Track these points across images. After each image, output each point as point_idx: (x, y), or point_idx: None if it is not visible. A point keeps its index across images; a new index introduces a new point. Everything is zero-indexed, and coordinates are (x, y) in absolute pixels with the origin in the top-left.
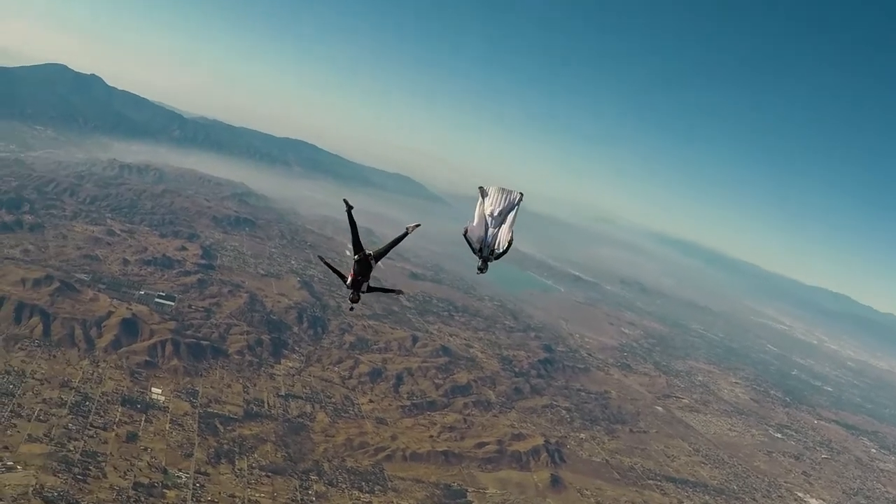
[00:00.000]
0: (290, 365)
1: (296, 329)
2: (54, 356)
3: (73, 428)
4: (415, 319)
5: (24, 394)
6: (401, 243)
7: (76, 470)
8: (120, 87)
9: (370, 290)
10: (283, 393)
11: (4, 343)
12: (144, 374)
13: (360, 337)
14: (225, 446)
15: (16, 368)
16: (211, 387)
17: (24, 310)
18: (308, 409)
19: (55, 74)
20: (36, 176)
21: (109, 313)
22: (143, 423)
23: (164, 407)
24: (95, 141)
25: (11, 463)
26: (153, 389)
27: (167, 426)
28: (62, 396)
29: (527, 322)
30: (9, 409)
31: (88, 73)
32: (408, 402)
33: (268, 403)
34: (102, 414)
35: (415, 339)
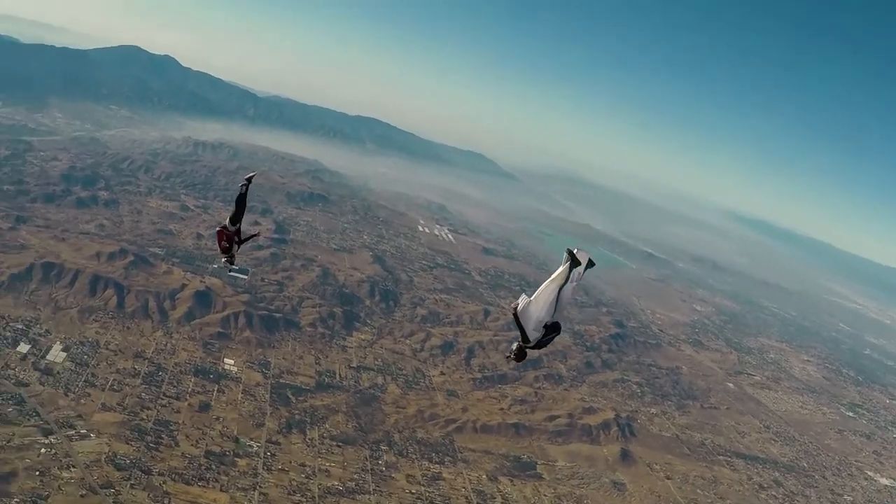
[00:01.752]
0: (362, 337)
1: (368, 302)
2: (128, 327)
3: (147, 397)
4: (486, 294)
5: (98, 364)
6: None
7: (149, 438)
8: (194, 68)
9: (240, 244)
10: (354, 365)
11: (80, 314)
12: (217, 345)
13: (431, 310)
14: (296, 416)
15: (90, 339)
16: (283, 358)
17: (98, 282)
18: (379, 380)
19: (129, 56)
20: (111, 154)
21: (183, 286)
22: (215, 393)
23: (237, 377)
24: (170, 120)
25: (85, 431)
26: (226, 360)
27: (239, 396)
28: (136, 367)
29: (598, 297)
30: (83, 379)
31: (162, 54)
32: (479, 375)
33: (339, 375)
34: (175, 384)
35: (486, 313)
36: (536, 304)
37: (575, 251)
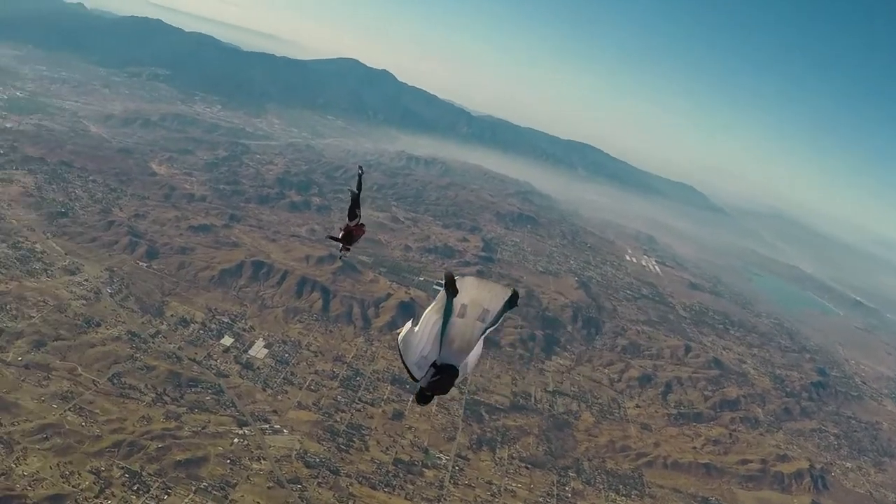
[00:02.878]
0: (561, 362)
1: (569, 328)
2: (330, 331)
3: (342, 400)
4: (689, 329)
5: (297, 363)
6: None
7: (340, 440)
8: (410, 84)
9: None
10: (550, 389)
11: (284, 314)
12: None
13: (632, 341)
14: (488, 434)
15: (292, 339)
16: (480, 376)
17: (305, 285)
18: (574, 407)
19: (347, 68)
20: (325, 162)
21: (388, 295)
22: (410, 402)
23: None
24: (384, 132)
25: (279, 426)
26: None
27: (433, 409)
28: (334, 369)
29: (802, 343)
30: (282, 376)
31: (380, 68)
32: (674, 411)
33: (535, 397)
34: (371, 390)
35: (687, 349)
36: (418, 335)
37: (456, 278)
